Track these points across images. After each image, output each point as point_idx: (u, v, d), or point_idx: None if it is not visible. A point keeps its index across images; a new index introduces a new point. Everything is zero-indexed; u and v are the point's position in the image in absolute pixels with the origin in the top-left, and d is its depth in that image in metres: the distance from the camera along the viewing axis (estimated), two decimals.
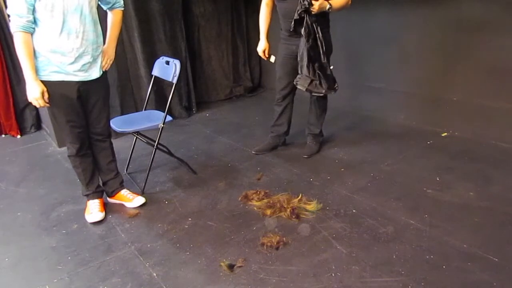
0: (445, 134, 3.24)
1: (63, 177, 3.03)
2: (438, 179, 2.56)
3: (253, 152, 3.09)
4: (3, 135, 4.04)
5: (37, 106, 2.08)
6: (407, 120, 3.53)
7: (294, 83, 2.75)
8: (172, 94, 2.78)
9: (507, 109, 2.91)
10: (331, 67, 2.73)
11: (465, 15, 3.00)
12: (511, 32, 2.77)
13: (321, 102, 2.97)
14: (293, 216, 2.25)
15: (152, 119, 2.74)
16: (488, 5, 2.85)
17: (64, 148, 3.57)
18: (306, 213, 2.29)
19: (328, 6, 2.52)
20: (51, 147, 3.67)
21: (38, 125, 4.17)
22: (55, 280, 1.92)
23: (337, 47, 4.03)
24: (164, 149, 2.95)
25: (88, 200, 2.45)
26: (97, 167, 2.47)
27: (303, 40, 2.58)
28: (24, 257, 2.12)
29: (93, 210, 2.39)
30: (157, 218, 2.38)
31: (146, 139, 2.84)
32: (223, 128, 3.79)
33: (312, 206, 2.33)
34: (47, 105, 2.09)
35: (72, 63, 2.08)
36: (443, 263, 1.83)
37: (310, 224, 2.19)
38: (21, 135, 4.04)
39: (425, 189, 2.46)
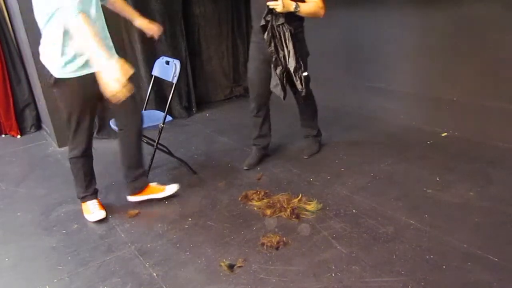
0: (445, 134, 3.24)
1: (63, 177, 3.02)
2: (438, 179, 2.56)
3: (245, 168, 2.89)
4: (3, 135, 4.04)
5: (116, 92, 1.78)
6: (407, 120, 3.53)
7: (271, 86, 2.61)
8: (172, 94, 2.79)
9: (507, 109, 2.91)
10: (305, 74, 2.54)
11: (465, 15, 3.00)
12: (511, 31, 2.77)
13: (309, 104, 2.90)
14: (293, 216, 2.24)
15: (152, 119, 2.74)
16: (488, 5, 2.84)
17: (64, 148, 3.58)
18: (306, 213, 2.29)
19: (294, 5, 2.37)
20: (51, 147, 3.67)
21: (38, 125, 4.17)
22: (55, 280, 1.92)
23: (337, 47, 4.03)
24: (164, 149, 2.95)
25: (85, 201, 2.42)
26: (124, 163, 2.44)
27: (269, 41, 2.44)
28: (24, 257, 2.12)
29: (94, 210, 2.39)
30: (157, 218, 2.38)
31: (146, 139, 2.84)
32: (223, 128, 3.79)
33: (312, 206, 2.33)
34: (128, 88, 1.81)
35: None
36: (443, 263, 1.83)
37: (310, 224, 2.19)
38: (21, 135, 4.03)
39: (425, 189, 2.46)
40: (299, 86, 2.54)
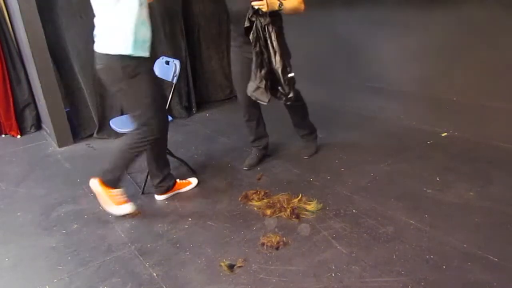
0: (445, 134, 3.24)
1: (63, 177, 3.03)
2: (438, 179, 2.56)
3: (244, 168, 2.88)
4: (3, 135, 4.04)
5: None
6: (407, 120, 3.53)
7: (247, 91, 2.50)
8: (172, 94, 2.79)
9: (507, 109, 2.91)
10: (290, 75, 2.45)
11: (465, 15, 3.00)
12: (511, 32, 2.77)
13: (298, 106, 2.84)
14: (293, 216, 2.25)
15: None
16: (488, 5, 2.84)
17: (64, 148, 3.59)
18: (306, 213, 2.29)
19: (278, 4, 2.32)
20: (51, 147, 3.67)
21: (38, 125, 4.17)
22: (55, 280, 1.92)
23: (337, 47, 4.03)
24: None
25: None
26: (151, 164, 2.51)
27: (252, 41, 2.36)
28: (24, 257, 2.12)
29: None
30: (157, 218, 2.38)
31: None
32: (223, 128, 3.79)
33: (312, 206, 2.33)
34: None
35: None
36: (443, 263, 1.83)
37: (310, 224, 2.19)
38: (21, 135, 4.04)
39: (425, 189, 2.46)
40: (285, 88, 2.44)
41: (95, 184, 2.29)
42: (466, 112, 3.16)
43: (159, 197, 2.58)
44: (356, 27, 3.77)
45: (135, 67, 2.13)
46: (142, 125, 2.25)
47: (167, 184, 2.55)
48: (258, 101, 2.50)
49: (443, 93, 3.28)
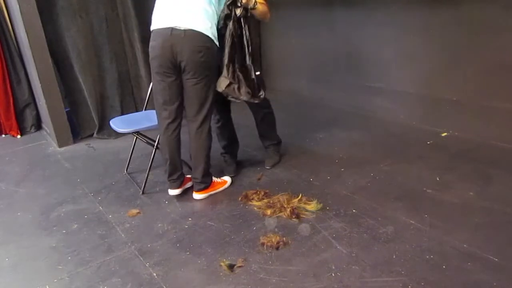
0: (445, 134, 3.24)
1: (63, 177, 3.03)
2: (438, 179, 2.56)
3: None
4: (3, 135, 4.04)
5: None
6: (407, 120, 3.53)
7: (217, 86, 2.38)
8: None
9: (507, 109, 2.91)
10: (257, 73, 2.43)
11: (465, 15, 3.00)
12: (511, 32, 2.77)
13: (266, 114, 2.80)
14: (293, 216, 2.25)
15: (152, 119, 2.73)
16: (488, 5, 2.84)
17: (64, 148, 3.59)
18: (306, 213, 2.29)
19: (253, 2, 2.31)
20: (51, 147, 3.67)
21: (38, 125, 4.18)
22: (55, 280, 1.92)
23: (337, 47, 4.03)
24: None
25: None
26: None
27: (226, 37, 2.30)
28: (24, 257, 2.12)
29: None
30: (157, 218, 2.38)
31: (146, 139, 2.84)
32: None
33: (312, 206, 2.33)
34: None
35: None
36: (443, 263, 1.83)
37: (310, 224, 2.19)
38: (21, 135, 4.04)
39: (425, 189, 2.46)
40: (255, 86, 2.40)
41: (199, 196, 2.54)
42: (466, 112, 3.16)
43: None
44: (356, 27, 3.77)
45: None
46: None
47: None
48: (230, 99, 2.43)
49: (443, 93, 3.28)
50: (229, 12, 2.31)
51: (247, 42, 2.34)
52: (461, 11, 3.01)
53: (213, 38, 2.25)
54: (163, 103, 2.36)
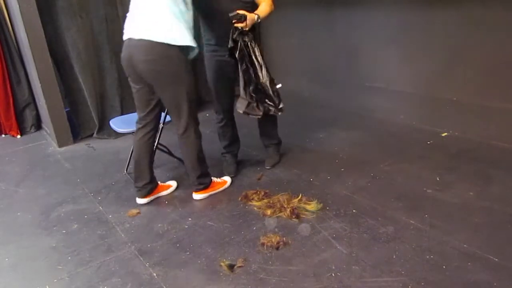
0: (445, 134, 3.24)
1: (63, 177, 3.03)
2: (438, 179, 2.56)
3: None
4: (3, 135, 4.04)
5: None
6: (407, 120, 3.53)
7: (236, 107, 2.49)
8: None
9: (507, 109, 2.91)
10: (279, 86, 2.49)
11: (465, 15, 3.00)
12: (511, 31, 2.77)
13: (269, 117, 2.76)
14: (293, 216, 2.25)
15: None
16: (488, 5, 2.84)
17: (64, 148, 3.59)
18: (306, 213, 2.29)
19: (256, 17, 2.36)
20: (51, 147, 3.67)
21: (38, 125, 4.18)
22: (55, 280, 1.92)
23: (337, 47, 4.03)
24: (164, 149, 2.96)
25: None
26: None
27: (239, 60, 2.37)
28: (24, 257, 2.12)
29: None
30: (157, 218, 2.38)
31: None
32: None
33: (312, 206, 2.33)
34: None
35: None
36: (443, 263, 1.83)
37: (310, 224, 2.19)
38: (21, 135, 4.04)
39: (425, 189, 2.46)
40: (275, 100, 2.47)
41: (198, 196, 2.53)
42: (466, 112, 3.16)
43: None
44: (356, 27, 3.77)
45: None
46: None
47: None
48: (251, 116, 2.49)
49: (443, 93, 3.28)
50: (233, 44, 2.33)
51: (258, 62, 2.39)
52: (461, 11, 3.01)
53: (174, 43, 2.13)
54: (136, 108, 2.42)
